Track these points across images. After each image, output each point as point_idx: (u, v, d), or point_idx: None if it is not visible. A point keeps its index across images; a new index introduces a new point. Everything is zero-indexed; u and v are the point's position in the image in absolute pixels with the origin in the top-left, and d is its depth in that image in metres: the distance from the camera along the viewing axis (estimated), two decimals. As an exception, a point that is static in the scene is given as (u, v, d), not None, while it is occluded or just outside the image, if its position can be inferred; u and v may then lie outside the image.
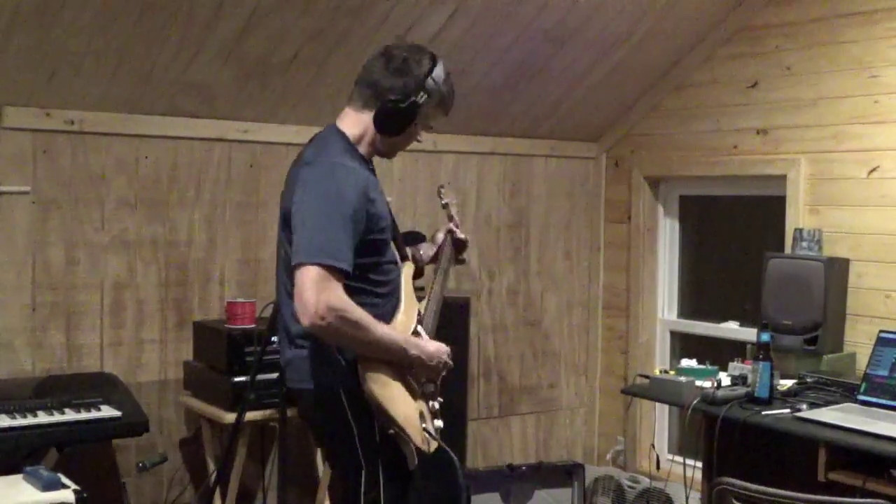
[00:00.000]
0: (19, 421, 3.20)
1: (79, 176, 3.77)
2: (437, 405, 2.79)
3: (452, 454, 2.66)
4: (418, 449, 2.64)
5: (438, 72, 2.71)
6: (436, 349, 2.72)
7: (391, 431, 2.61)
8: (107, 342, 3.86)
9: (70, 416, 3.30)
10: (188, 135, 3.98)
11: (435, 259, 3.11)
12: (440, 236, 3.12)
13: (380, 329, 2.56)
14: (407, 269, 2.85)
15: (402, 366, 2.65)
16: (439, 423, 2.77)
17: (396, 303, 2.74)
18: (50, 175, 3.71)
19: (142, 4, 3.35)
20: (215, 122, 4.00)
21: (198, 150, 4.02)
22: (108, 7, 3.32)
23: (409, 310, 2.77)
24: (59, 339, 3.77)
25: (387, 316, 2.68)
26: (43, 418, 3.25)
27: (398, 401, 2.62)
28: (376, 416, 2.60)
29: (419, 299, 2.87)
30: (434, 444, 2.71)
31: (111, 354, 3.87)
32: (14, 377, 3.62)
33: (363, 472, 2.64)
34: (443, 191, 3.26)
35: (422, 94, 2.67)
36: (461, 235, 3.14)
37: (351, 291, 2.54)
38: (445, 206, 3.21)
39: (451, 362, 2.77)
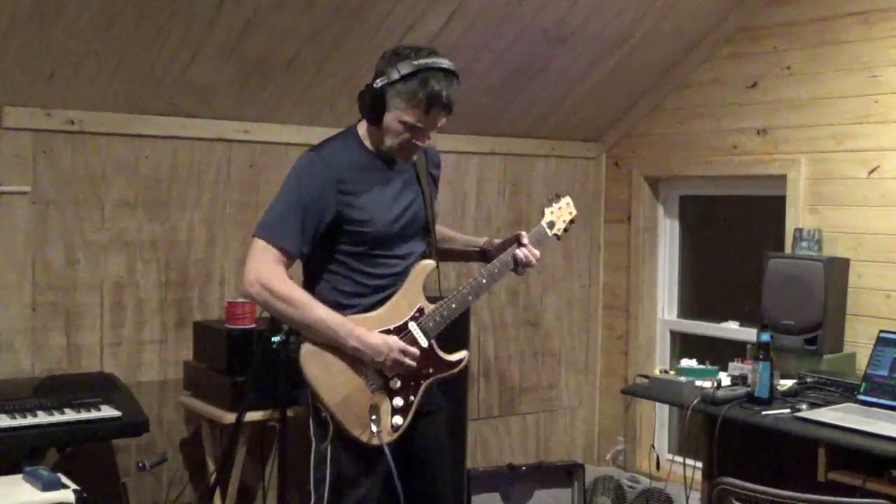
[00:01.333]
0: (19, 421, 3.20)
1: (79, 176, 3.77)
2: (401, 402, 2.75)
3: (391, 460, 2.63)
4: (357, 439, 2.67)
5: (418, 61, 2.64)
6: (380, 343, 2.67)
7: (323, 414, 2.69)
8: (107, 342, 3.86)
9: (70, 416, 3.30)
10: (188, 135, 3.98)
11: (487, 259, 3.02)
12: (523, 241, 2.97)
13: (314, 312, 2.64)
14: (420, 269, 2.82)
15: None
16: (398, 419, 2.74)
17: (386, 298, 2.76)
18: (50, 175, 3.71)
19: (142, 4, 3.35)
20: (215, 122, 4.00)
21: (198, 150, 4.02)
22: (108, 7, 3.32)
23: (397, 307, 2.77)
24: (59, 339, 3.77)
25: (367, 307, 2.74)
26: (43, 418, 3.25)
27: (334, 386, 2.67)
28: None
29: (434, 300, 2.83)
30: (387, 438, 2.69)
31: (111, 354, 3.87)
32: (14, 377, 3.61)
33: (312, 448, 2.74)
34: (554, 202, 3.12)
35: (386, 77, 2.65)
36: (523, 252, 2.93)
37: (325, 274, 2.73)
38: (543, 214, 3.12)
39: (405, 360, 2.70)
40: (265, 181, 4.13)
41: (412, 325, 2.77)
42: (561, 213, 3.10)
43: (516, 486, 4.54)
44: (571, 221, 3.14)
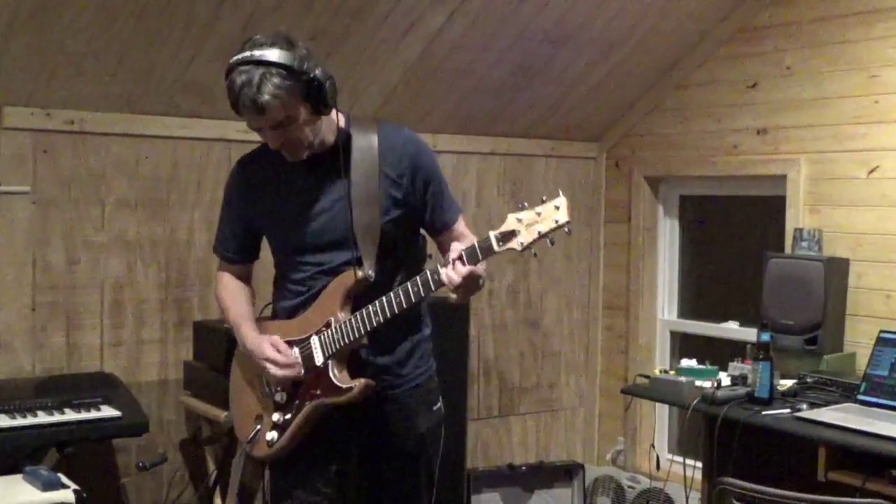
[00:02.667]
0: (19, 421, 3.20)
1: (79, 176, 3.77)
2: (280, 418, 2.54)
3: (238, 475, 2.58)
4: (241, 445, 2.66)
5: (232, 59, 2.37)
6: (251, 348, 2.53)
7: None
8: (107, 342, 3.87)
9: (70, 416, 3.30)
10: (188, 135, 3.98)
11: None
12: (450, 256, 2.39)
13: (227, 316, 2.66)
14: (339, 280, 2.50)
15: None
16: (273, 435, 2.54)
17: (304, 304, 2.56)
18: (50, 175, 3.71)
19: (142, 4, 3.36)
20: (215, 122, 4.00)
21: (198, 150, 4.02)
22: (108, 7, 3.32)
23: (309, 317, 2.53)
24: (59, 339, 3.77)
25: (290, 313, 2.60)
26: (43, 418, 3.25)
27: (236, 392, 2.71)
28: None
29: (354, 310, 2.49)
30: (265, 451, 2.55)
31: (111, 354, 3.87)
32: (14, 377, 3.62)
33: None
34: (541, 204, 2.44)
35: None
36: (444, 272, 2.34)
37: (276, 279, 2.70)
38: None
39: (268, 367, 2.49)
40: (265, 181, 4.14)
41: (313, 339, 2.51)
42: (541, 218, 2.45)
43: (516, 486, 4.54)
44: (560, 227, 2.40)
